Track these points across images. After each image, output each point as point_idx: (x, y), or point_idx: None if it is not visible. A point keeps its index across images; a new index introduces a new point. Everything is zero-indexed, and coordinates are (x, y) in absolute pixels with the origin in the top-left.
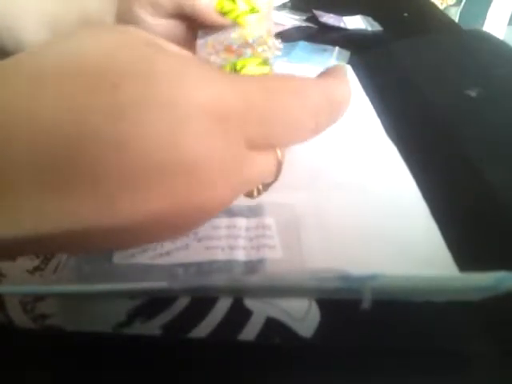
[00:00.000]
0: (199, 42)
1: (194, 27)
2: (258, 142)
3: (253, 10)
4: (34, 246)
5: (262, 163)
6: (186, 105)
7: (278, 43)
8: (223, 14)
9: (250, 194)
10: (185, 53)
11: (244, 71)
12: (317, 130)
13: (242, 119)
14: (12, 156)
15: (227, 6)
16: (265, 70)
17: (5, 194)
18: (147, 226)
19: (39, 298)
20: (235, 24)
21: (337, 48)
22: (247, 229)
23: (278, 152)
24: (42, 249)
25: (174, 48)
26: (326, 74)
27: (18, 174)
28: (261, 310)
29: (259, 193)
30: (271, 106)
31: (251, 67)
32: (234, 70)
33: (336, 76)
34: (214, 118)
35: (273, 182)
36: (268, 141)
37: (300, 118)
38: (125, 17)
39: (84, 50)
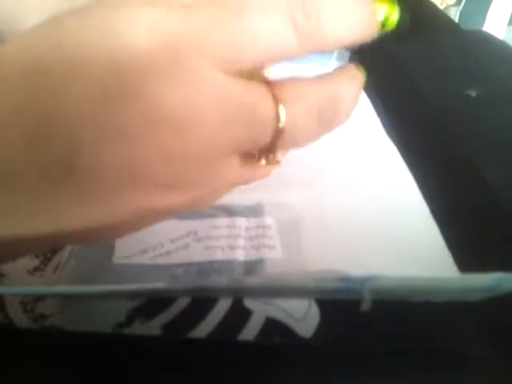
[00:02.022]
0: None
1: None
2: (231, 64)
3: None
4: (32, 244)
5: (246, 93)
6: (130, 31)
7: None
8: None
9: (251, 160)
10: None
11: None
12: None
13: (199, 41)
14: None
15: None
16: None
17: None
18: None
19: (39, 298)
20: None
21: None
22: (247, 229)
23: (281, 109)
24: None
25: None
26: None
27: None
28: (261, 310)
29: (268, 161)
30: (237, 14)
31: None
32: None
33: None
34: (159, 42)
35: (275, 144)
36: (240, 57)
37: (270, 13)
38: None
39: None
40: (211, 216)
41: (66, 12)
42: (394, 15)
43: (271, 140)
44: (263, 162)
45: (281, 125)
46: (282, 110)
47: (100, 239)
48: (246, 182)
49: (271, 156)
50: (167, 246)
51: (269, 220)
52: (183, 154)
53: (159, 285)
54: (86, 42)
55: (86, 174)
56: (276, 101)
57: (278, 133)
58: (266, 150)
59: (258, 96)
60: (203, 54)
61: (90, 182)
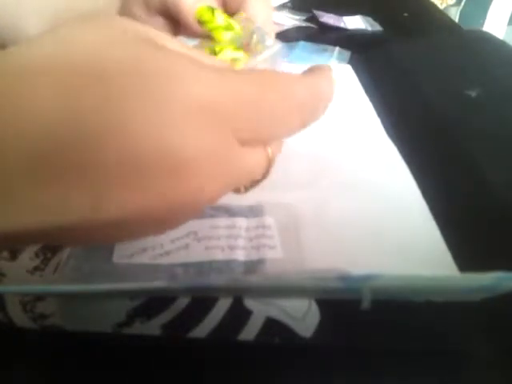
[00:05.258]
0: None
1: (179, 28)
2: (246, 137)
3: (228, 28)
4: (22, 239)
5: (251, 159)
6: (174, 99)
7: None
8: (201, 23)
9: (237, 190)
10: (177, 45)
11: (221, 55)
12: (302, 124)
13: (231, 114)
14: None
15: (205, 16)
16: (239, 54)
17: None
18: (133, 222)
19: (39, 297)
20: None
21: (337, 48)
22: (247, 229)
23: (269, 150)
24: (27, 241)
25: (167, 39)
26: (310, 71)
27: (10, 167)
28: (260, 309)
29: (246, 190)
30: (259, 101)
31: (228, 52)
32: (214, 53)
33: (320, 74)
34: (202, 113)
35: (262, 179)
36: (256, 135)
37: (286, 113)
38: (124, 14)
39: (72, 48)
40: (211, 216)
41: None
42: None
43: (264, 174)
44: (243, 190)
45: (270, 159)
46: (269, 150)
47: (100, 241)
48: None
49: (254, 187)
50: (167, 245)
51: (269, 220)
52: (188, 199)
53: (159, 284)
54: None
55: (87, 170)
56: (267, 151)
57: (267, 171)
58: (253, 184)
59: (259, 157)
60: (230, 127)
61: (92, 178)
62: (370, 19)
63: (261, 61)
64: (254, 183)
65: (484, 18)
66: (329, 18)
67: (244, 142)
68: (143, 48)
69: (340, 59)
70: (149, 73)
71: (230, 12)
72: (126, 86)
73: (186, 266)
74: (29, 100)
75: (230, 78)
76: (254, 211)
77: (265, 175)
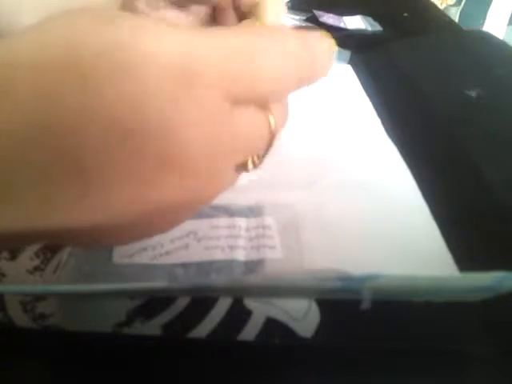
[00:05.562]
0: None
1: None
2: (239, 96)
3: None
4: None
5: (248, 123)
6: (144, 64)
7: None
8: None
9: (244, 167)
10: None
11: None
12: (298, 81)
13: (218, 72)
14: None
15: None
16: None
17: None
18: (135, 222)
19: (39, 297)
20: None
21: (337, 48)
22: (247, 229)
23: (271, 118)
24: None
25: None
26: (302, 28)
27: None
28: (261, 310)
29: (255, 165)
30: (250, 52)
31: None
32: None
33: (315, 33)
34: (180, 72)
35: (267, 152)
36: (249, 92)
37: (281, 65)
38: (126, 10)
39: (46, 39)
40: (211, 216)
41: (82, 13)
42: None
43: (265, 147)
44: (250, 165)
45: (272, 133)
46: (272, 119)
47: (104, 242)
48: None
49: (261, 159)
50: (167, 245)
51: (269, 220)
52: (189, 173)
53: (159, 284)
54: (105, 65)
55: (86, 172)
56: (268, 116)
57: (271, 140)
58: (258, 155)
59: (257, 120)
60: (217, 87)
61: (91, 180)
62: (370, 19)
63: None
64: (260, 158)
65: (484, 18)
66: (329, 18)
67: (237, 103)
68: (105, 26)
69: (340, 59)
70: (116, 46)
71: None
72: (98, 67)
73: (185, 266)
74: (13, 97)
75: (215, 33)
76: (254, 211)
77: (268, 144)
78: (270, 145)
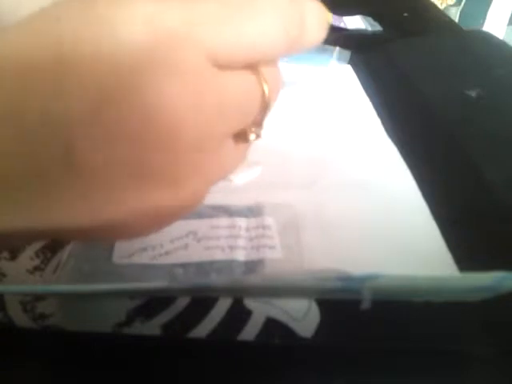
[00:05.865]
0: None
1: None
2: (225, 57)
3: None
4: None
5: (237, 83)
6: (115, 22)
7: None
8: None
9: (244, 137)
10: None
11: None
12: (287, 36)
13: (198, 32)
14: None
15: None
16: None
17: None
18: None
19: (39, 297)
20: None
21: (337, 48)
22: (247, 229)
23: (263, 82)
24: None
25: None
26: None
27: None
28: (261, 310)
29: (257, 134)
30: (231, 8)
31: None
32: None
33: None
34: (153, 31)
35: (263, 118)
36: (236, 50)
37: (267, 17)
38: None
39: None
40: (211, 216)
41: (64, 2)
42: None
43: (260, 114)
44: (252, 136)
45: (266, 98)
46: (265, 87)
47: (102, 238)
48: (236, 166)
49: (259, 127)
50: (167, 245)
51: (269, 220)
52: (183, 147)
53: (159, 284)
54: (84, 38)
55: (85, 172)
56: (260, 80)
57: (265, 105)
58: (255, 123)
59: (247, 83)
60: (198, 50)
61: (89, 180)
62: (370, 19)
63: None
64: (257, 126)
65: (484, 18)
66: None
67: (224, 67)
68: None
69: (340, 59)
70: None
71: None
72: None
73: (185, 266)
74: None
75: None
76: (254, 211)
77: (263, 113)
78: (265, 110)
